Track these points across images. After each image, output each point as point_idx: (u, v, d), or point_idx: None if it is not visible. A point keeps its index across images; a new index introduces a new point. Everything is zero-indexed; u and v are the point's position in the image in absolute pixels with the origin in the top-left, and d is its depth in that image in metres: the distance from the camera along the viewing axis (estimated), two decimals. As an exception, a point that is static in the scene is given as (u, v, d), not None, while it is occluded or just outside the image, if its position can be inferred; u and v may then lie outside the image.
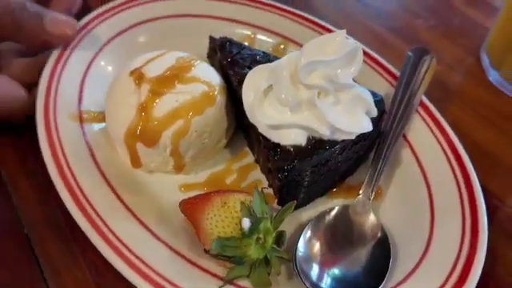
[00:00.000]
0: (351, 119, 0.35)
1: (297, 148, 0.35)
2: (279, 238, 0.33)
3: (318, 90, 0.35)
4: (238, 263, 0.32)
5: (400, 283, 0.32)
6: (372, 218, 0.35)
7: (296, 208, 0.35)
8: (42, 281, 0.34)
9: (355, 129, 0.35)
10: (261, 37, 0.48)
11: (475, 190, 0.36)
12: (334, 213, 0.36)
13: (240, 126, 0.42)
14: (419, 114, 0.40)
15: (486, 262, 0.36)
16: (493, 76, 0.49)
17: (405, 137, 0.39)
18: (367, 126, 0.36)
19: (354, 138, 0.36)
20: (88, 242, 0.33)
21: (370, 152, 0.39)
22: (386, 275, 0.32)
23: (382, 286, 0.31)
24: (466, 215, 0.34)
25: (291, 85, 0.35)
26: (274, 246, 0.33)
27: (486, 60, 0.50)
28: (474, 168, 0.42)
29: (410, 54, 0.42)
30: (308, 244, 0.34)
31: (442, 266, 0.32)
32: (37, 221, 0.37)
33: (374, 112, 0.37)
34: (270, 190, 0.38)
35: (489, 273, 0.36)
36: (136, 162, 0.38)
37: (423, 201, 0.36)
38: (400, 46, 0.53)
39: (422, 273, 0.32)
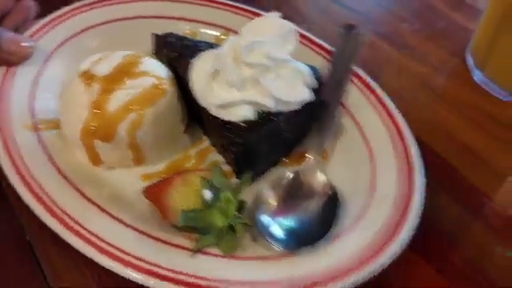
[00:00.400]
0: (292, 90, 0.39)
1: (247, 122, 0.39)
2: (241, 207, 0.36)
3: (259, 68, 0.38)
4: (205, 233, 0.35)
5: (346, 230, 0.36)
6: (321, 176, 0.39)
7: (253, 179, 0.39)
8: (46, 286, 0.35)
9: (297, 98, 0.39)
10: (203, 30, 0.51)
11: (408, 144, 0.40)
12: (286, 176, 0.39)
13: (193, 116, 0.44)
14: (354, 83, 0.44)
15: (474, 258, 0.38)
16: (477, 76, 0.51)
17: (344, 105, 0.43)
18: (308, 96, 0.40)
19: (297, 107, 0.39)
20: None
21: (314, 121, 0.42)
22: (334, 223, 0.36)
23: (330, 231, 0.36)
24: (402, 167, 0.39)
25: (235, 66, 0.38)
26: (236, 213, 0.36)
27: (470, 61, 0.52)
28: (462, 167, 0.44)
29: (340, 30, 0.46)
30: (266, 206, 0.38)
31: (383, 212, 0.36)
32: (39, 228, 0.38)
33: (313, 83, 0.41)
34: (229, 168, 0.41)
35: (478, 267, 0.38)
36: (96, 159, 0.40)
37: (364, 159, 0.40)
38: (387, 49, 0.54)
39: (366, 220, 0.36)
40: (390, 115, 0.42)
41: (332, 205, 0.37)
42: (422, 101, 0.49)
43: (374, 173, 0.39)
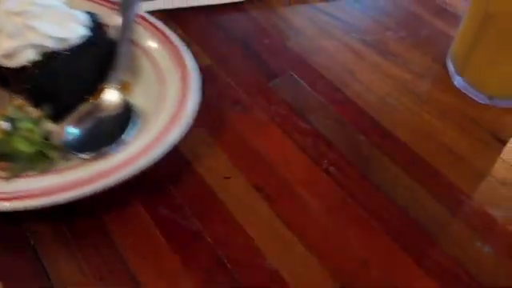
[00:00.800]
0: (68, 29, 0.46)
1: (33, 63, 0.44)
2: (48, 135, 0.43)
3: (28, 14, 0.45)
4: (16, 160, 0.41)
5: (137, 136, 0.44)
6: (116, 97, 0.47)
7: (60, 116, 0.46)
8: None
9: (74, 35, 0.46)
10: None
11: (186, 64, 0.49)
12: (88, 104, 0.47)
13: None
14: (141, 24, 0.52)
15: (454, 253, 0.40)
16: (457, 81, 0.53)
17: (136, 42, 0.51)
18: (85, 32, 0.47)
19: (77, 42, 0.46)
20: (92, 250, 0.37)
21: (107, 60, 0.49)
22: (127, 130, 0.44)
23: (123, 137, 0.44)
24: (182, 79, 0.48)
25: (6, 18, 0.45)
26: (43, 140, 0.42)
27: (451, 67, 0.54)
28: (443, 167, 0.46)
29: None
30: (69, 127, 0.45)
31: (166, 115, 0.45)
32: (42, 231, 0.41)
33: (91, 24, 0.48)
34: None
35: (458, 262, 0.40)
36: None
37: (155, 81, 0.49)
38: (372, 56, 0.56)
39: (152, 124, 0.44)
40: (174, 46, 0.51)
41: (126, 116, 0.45)
42: (406, 105, 0.52)
43: (164, 90, 0.47)
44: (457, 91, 0.53)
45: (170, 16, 0.60)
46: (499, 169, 0.46)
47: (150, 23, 0.53)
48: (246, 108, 0.51)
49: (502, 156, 0.47)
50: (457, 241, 0.41)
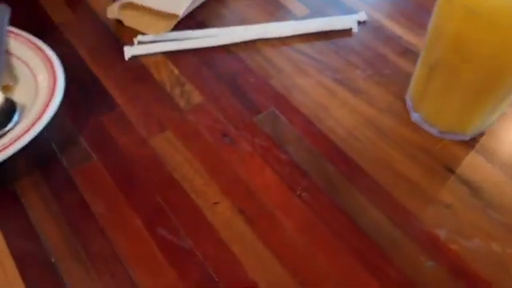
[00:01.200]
0: None
1: None
2: None
3: None
4: None
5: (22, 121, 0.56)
6: (1, 96, 0.58)
7: None
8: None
9: None
10: None
11: (53, 63, 0.60)
12: None
13: None
14: (12, 37, 0.64)
15: (405, 268, 0.48)
16: (414, 117, 0.62)
17: (10, 52, 0.63)
18: None
19: None
20: (104, 266, 0.44)
21: None
22: (9, 123, 0.55)
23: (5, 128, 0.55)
24: (49, 76, 0.59)
25: None
26: None
27: (409, 103, 0.63)
28: (398, 192, 0.54)
29: None
30: None
31: (38, 106, 0.56)
32: (62, 248, 0.49)
33: None
34: None
35: (408, 276, 0.48)
36: None
37: (30, 81, 0.61)
38: (343, 93, 0.65)
39: (29, 116, 0.55)
40: (41, 50, 0.62)
41: (10, 110, 0.56)
42: (370, 138, 0.60)
43: (37, 87, 0.59)
44: (414, 125, 0.61)
45: (168, 57, 0.68)
46: (446, 194, 0.55)
47: (19, 35, 0.64)
48: (234, 140, 0.59)
49: (449, 183, 0.56)
50: (407, 258, 0.50)
